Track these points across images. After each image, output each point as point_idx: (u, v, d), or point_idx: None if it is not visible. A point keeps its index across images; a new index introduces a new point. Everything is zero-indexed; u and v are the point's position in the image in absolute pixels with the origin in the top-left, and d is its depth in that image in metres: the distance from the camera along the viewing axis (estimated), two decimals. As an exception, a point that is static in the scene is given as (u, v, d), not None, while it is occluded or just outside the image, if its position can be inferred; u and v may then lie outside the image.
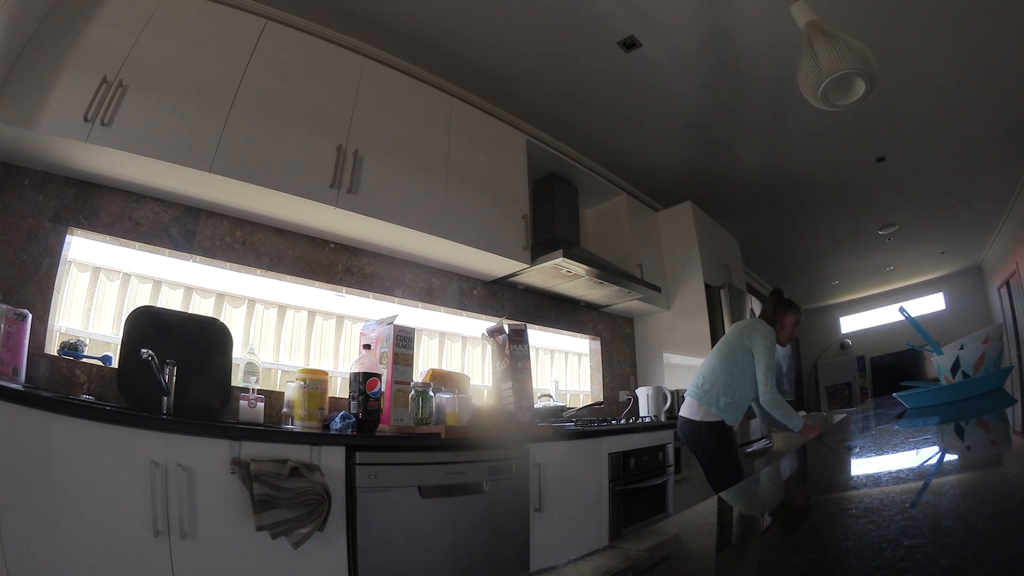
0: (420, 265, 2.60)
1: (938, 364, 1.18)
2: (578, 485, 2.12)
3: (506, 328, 2.26)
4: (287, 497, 1.33)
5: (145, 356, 1.57)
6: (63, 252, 1.71)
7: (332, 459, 1.47)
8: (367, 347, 1.94)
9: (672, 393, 3.28)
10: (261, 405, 1.83)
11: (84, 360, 1.65)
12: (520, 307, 3.07)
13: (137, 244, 1.87)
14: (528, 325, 2.44)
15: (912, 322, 1.38)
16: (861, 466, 0.65)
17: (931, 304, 6.93)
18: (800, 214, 4.72)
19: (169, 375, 1.66)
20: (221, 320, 1.94)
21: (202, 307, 2.03)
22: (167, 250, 1.92)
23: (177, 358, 1.69)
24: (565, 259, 2.56)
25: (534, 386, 2.37)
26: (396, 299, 2.48)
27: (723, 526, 0.47)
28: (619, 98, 2.95)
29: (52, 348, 1.64)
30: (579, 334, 3.50)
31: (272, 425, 1.82)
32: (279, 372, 2.17)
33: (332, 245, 2.30)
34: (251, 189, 1.82)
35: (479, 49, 2.55)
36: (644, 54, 2.58)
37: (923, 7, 2.32)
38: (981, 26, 2.44)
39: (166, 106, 1.69)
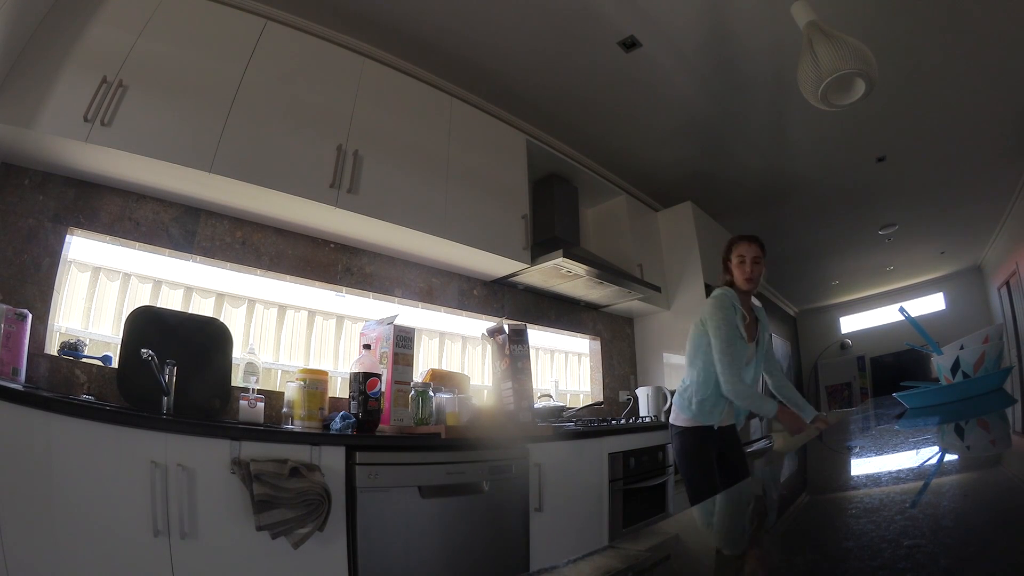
0: (420, 265, 2.60)
1: (938, 364, 1.18)
2: (578, 485, 2.12)
3: (506, 328, 2.26)
4: (287, 497, 1.33)
5: (145, 356, 1.57)
6: (63, 252, 1.71)
7: (332, 459, 1.47)
8: (367, 347, 1.94)
9: (672, 393, 3.28)
10: (261, 405, 1.83)
11: (84, 360, 1.65)
12: (520, 307, 3.06)
13: (137, 244, 1.87)
14: (528, 325, 2.44)
15: (912, 322, 1.38)
16: (861, 466, 0.65)
17: (931, 304, 6.92)
18: (800, 214, 4.72)
19: (169, 375, 1.66)
20: (221, 320, 1.94)
21: (202, 307, 2.03)
22: (167, 250, 1.92)
23: (177, 358, 1.69)
24: (565, 259, 2.56)
25: (534, 386, 2.37)
26: (396, 299, 2.48)
27: (723, 526, 0.47)
28: (619, 98, 2.95)
29: (52, 348, 1.64)
30: (579, 334, 3.50)
31: (272, 425, 1.82)
32: (279, 372, 2.17)
33: (332, 245, 2.30)
34: (251, 189, 1.82)
35: (479, 49, 2.55)
36: (644, 54, 2.57)
37: (923, 7, 2.31)
38: (981, 26, 2.44)
39: (166, 106, 1.69)
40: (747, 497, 0.58)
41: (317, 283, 2.26)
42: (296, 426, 1.73)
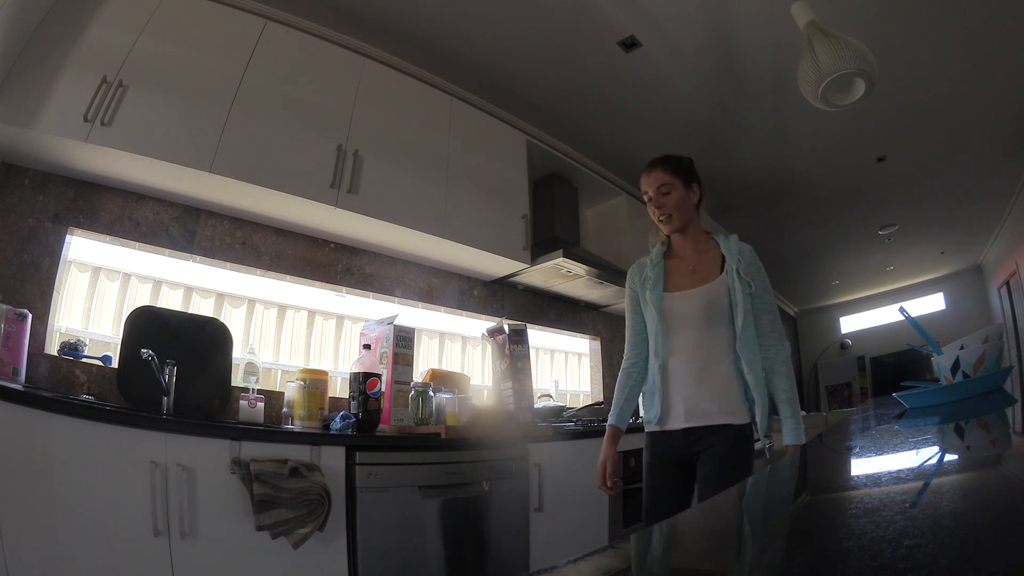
0: (420, 265, 2.60)
1: (938, 364, 1.18)
2: (578, 485, 2.12)
3: (506, 328, 2.26)
4: (287, 497, 1.33)
5: (145, 356, 1.57)
6: (63, 252, 1.71)
7: (332, 459, 1.47)
8: (367, 347, 1.94)
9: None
10: (261, 405, 1.83)
11: (84, 360, 1.65)
12: (520, 307, 3.06)
13: (137, 244, 1.87)
14: (528, 325, 2.44)
15: (912, 322, 1.38)
16: (861, 466, 0.65)
17: (931, 304, 6.92)
18: (800, 214, 4.71)
19: (169, 375, 1.66)
20: (221, 320, 1.94)
21: (202, 307, 2.03)
22: (167, 250, 1.92)
23: (177, 358, 1.69)
24: (565, 259, 2.56)
25: (534, 386, 2.37)
26: (396, 299, 2.48)
27: (723, 526, 0.47)
28: (619, 98, 2.95)
29: (52, 348, 1.64)
30: (579, 334, 3.50)
31: (272, 425, 1.82)
32: (279, 372, 2.17)
33: (332, 245, 2.30)
34: (251, 189, 1.82)
35: (479, 49, 2.55)
36: (644, 54, 2.57)
37: (923, 7, 2.31)
38: (981, 26, 2.44)
39: (166, 106, 1.69)
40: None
41: (317, 283, 2.26)
42: (296, 426, 1.73)
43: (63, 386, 1.59)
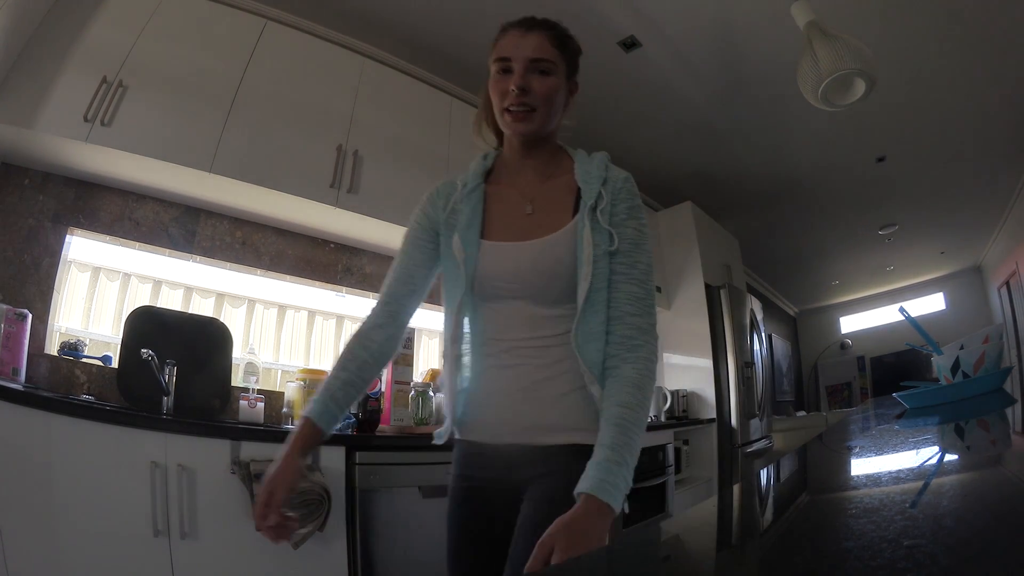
0: (420, 265, 2.60)
1: (938, 364, 1.18)
2: (578, 485, 2.12)
3: (506, 328, 2.25)
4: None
5: (145, 356, 1.57)
6: (63, 252, 1.71)
7: (332, 459, 1.47)
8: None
9: (672, 393, 3.28)
10: (261, 405, 1.83)
11: (84, 360, 1.65)
12: (520, 307, 3.06)
13: (137, 244, 1.87)
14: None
15: (912, 322, 1.38)
16: (861, 466, 0.65)
17: (931, 304, 6.92)
18: (800, 214, 4.71)
19: (169, 375, 1.66)
20: (221, 320, 1.94)
21: (202, 307, 2.03)
22: (167, 250, 1.92)
23: (177, 358, 1.69)
24: (565, 259, 2.56)
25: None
26: (396, 299, 2.48)
27: (723, 526, 0.47)
28: (619, 98, 2.95)
29: (52, 348, 1.64)
30: (579, 334, 3.50)
31: (272, 425, 1.82)
32: (279, 372, 2.17)
33: (332, 245, 2.30)
34: (251, 189, 1.82)
35: (479, 49, 2.54)
36: (644, 54, 2.57)
37: (923, 7, 2.31)
38: (981, 26, 2.44)
39: (166, 106, 1.69)
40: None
41: (317, 283, 2.26)
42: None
43: (63, 386, 1.59)
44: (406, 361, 1.91)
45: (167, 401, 1.66)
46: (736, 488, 0.63)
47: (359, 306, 2.41)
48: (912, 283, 7.09)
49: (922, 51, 2.61)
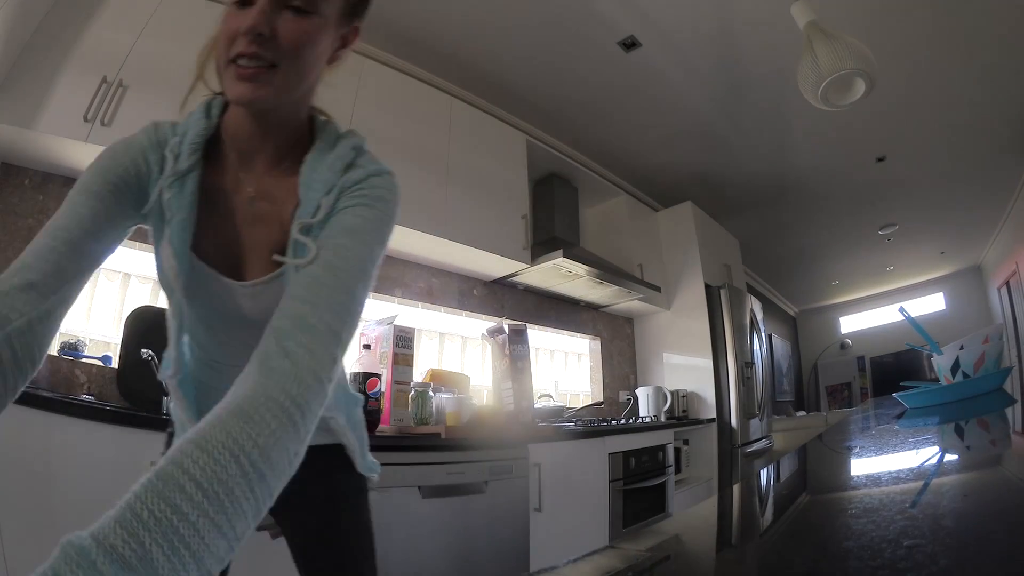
0: (420, 265, 2.60)
1: (938, 364, 1.18)
2: (578, 485, 2.12)
3: (506, 328, 2.26)
4: (287, 497, 1.33)
5: (145, 356, 1.57)
6: (63, 252, 1.71)
7: (332, 459, 1.47)
8: (367, 347, 1.94)
9: (672, 393, 3.28)
10: (261, 405, 1.83)
11: (84, 360, 1.65)
12: (520, 307, 3.06)
13: (137, 244, 1.87)
14: (528, 325, 2.44)
15: (912, 322, 1.38)
16: (861, 466, 0.65)
17: (931, 304, 6.92)
18: (800, 214, 4.72)
19: (169, 375, 1.66)
20: (221, 320, 1.94)
21: (202, 307, 2.03)
22: (167, 250, 1.92)
23: (177, 358, 1.69)
24: (565, 259, 2.56)
25: (534, 386, 2.37)
26: (396, 299, 2.48)
27: (723, 526, 0.47)
28: (619, 98, 2.95)
29: (52, 348, 1.64)
30: (579, 334, 3.50)
31: (272, 425, 1.81)
32: (279, 372, 2.16)
33: (332, 245, 2.30)
34: (251, 189, 1.82)
35: (479, 49, 2.55)
36: (644, 54, 2.57)
37: (923, 7, 2.31)
38: (981, 26, 2.44)
39: (166, 106, 1.68)
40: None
41: (317, 283, 2.26)
42: None
43: (63, 386, 1.59)
44: (406, 361, 1.91)
45: (167, 401, 1.65)
46: (736, 488, 0.63)
47: (359, 306, 2.41)
48: (912, 283, 7.09)
49: (922, 51, 2.61)
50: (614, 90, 2.87)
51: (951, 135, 3.44)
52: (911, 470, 0.56)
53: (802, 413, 6.05)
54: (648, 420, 2.90)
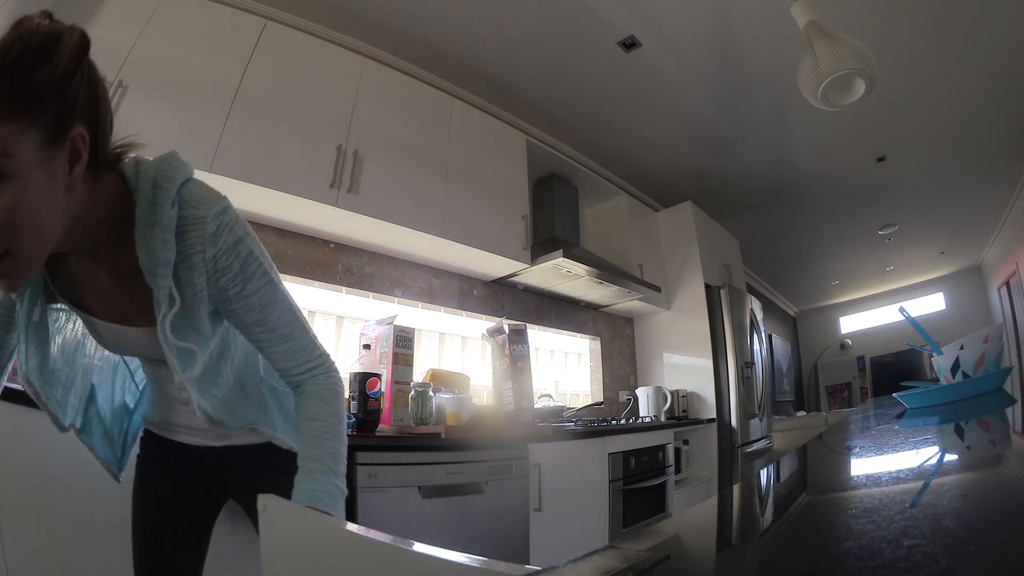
0: (420, 265, 2.60)
1: (938, 364, 1.18)
2: (578, 485, 2.12)
3: (506, 328, 2.26)
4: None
5: (145, 356, 1.57)
6: (63, 252, 1.71)
7: (332, 459, 1.47)
8: (367, 347, 1.94)
9: (672, 393, 3.28)
10: (261, 405, 1.83)
11: (84, 360, 1.64)
12: (520, 307, 3.06)
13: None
14: (528, 325, 2.44)
15: (912, 322, 1.38)
16: (861, 466, 0.65)
17: (931, 304, 6.92)
18: (800, 214, 4.72)
19: (169, 375, 1.66)
20: (221, 320, 1.94)
21: (202, 307, 2.03)
22: (167, 250, 1.92)
23: (177, 358, 1.69)
24: (565, 259, 2.56)
25: (534, 386, 2.37)
26: (396, 299, 2.48)
27: (723, 526, 0.47)
28: (619, 98, 2.95)
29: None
30: (579, 334, 3.50)
31: (272, 425, 1.81)
32: (279, 372, 2.16)
33: (332, 245, 2.30)
34: (251, 189, 1.82)
35: (479, 49, 2.55)
36: (644, 54, 2.57)
37: (923, 7, 2.31)
38: (981, 26, 2.44)
39: (166, 106, 1.69)
40: None
41: (317, 283, 2.26)
42: None
43: (63, 386, 1.59)
44: (406, 361, 1.91)
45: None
46: (736, 488, 0.63)
47: (359, 306, 2.41)
48: (912, 283, 7.09)
49: (922, 51, 2.61)
50: (614, 90, 2.87)
51: (951, 135, 3.44)
52: (911, 470, 0.56)
53: (802, 413, 6.05)
54: (648, 420, 2.90)
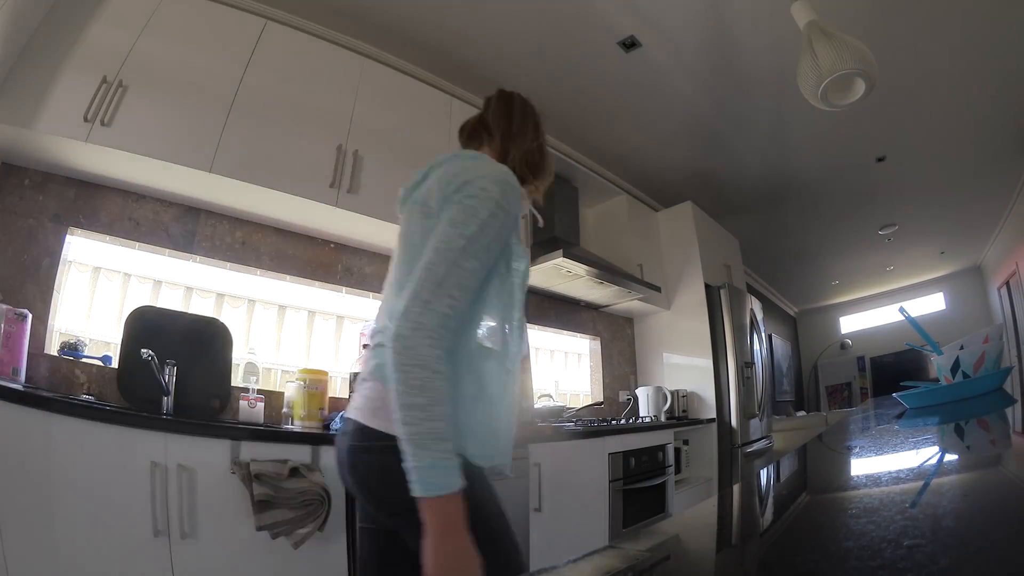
0: (420, 265, 2.59)
1: (938, 364, 1.18)
2: (578, 485, 2.12)
3: (506, 328, 2.25)
4: (287, 497, 1.33)
5: (145, 356, 1.57)
6: (63, 252, 1.71)
7: (332, 459, 1.47)
8: (367, 347, 1.94)
9: (672, 393, 3.28)
10: (261, 405, 1.83)
11: (84, 360, 1.65)
12: (520, 307, 3.06)
13: (137, 244, 1.87)
14: (528, 325, 2.44)
15: (912, 322, 1.38)
16: (861, 466, 0.65)
17: (931, 304, 6.92)
18: (800, 214, 4.72)
19: (169, 375, 1.66)
20: (221, 320, 1.94)
21: (202, 307, 2.03)
22: (167, 250, 1.92)
23: (177, 358, 1.69)
24: (565, 259, 2.56)
25: (534, 386, 2.36)
26: (396, 299, 2.48)
27: (723, 526, 0.47)
28: (619, 98, 2.95)
29: (52, 348, 1.64)
30: (579, 334, 3.50)
31: (272, 425, 1.81)
32: (279, 372, 2.16)
33: (332, 245, 2.30)
34: (251, 189, 1.82)
35: (479, 49, 2.55)
36: (644, 54, 2.57)
37: (923, 7, 2.31)
38: (981, 26, 2.44)
39: (166, 106, 1.69)
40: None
41: (317, 283, 2.26)
42: (296, 426, 1.73)
43: (63, 386, 1.59)
44: (406, 361, 1.91)
45: (167, 401, 1.65)
46: (736, 488, 0.63)
47: (359, 306, 2.41)
48: (912, 283, 7.09)
49: (922, 51, 2.61)
50: (614, 90, 2.87)
51: (951, 135, 3.44)
52: (911, 470, 0.56)
53: (802, 413, 6.05)
54: (648, 420, 2.90)
